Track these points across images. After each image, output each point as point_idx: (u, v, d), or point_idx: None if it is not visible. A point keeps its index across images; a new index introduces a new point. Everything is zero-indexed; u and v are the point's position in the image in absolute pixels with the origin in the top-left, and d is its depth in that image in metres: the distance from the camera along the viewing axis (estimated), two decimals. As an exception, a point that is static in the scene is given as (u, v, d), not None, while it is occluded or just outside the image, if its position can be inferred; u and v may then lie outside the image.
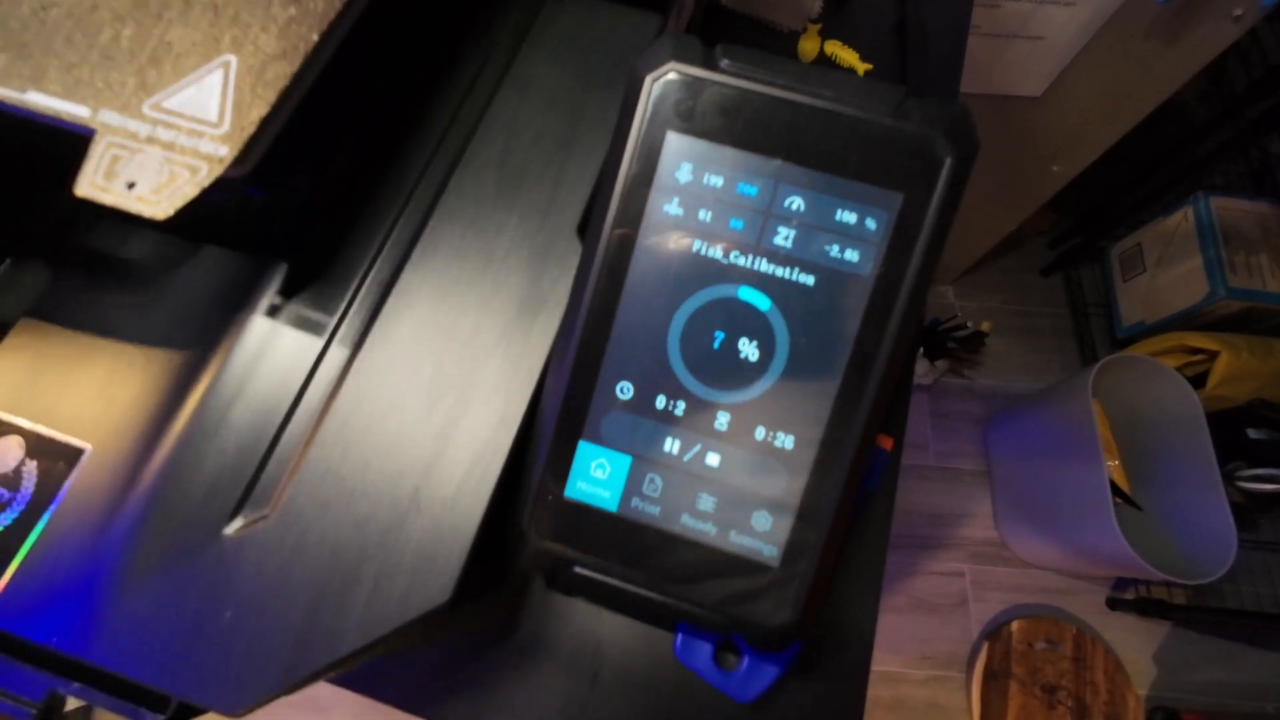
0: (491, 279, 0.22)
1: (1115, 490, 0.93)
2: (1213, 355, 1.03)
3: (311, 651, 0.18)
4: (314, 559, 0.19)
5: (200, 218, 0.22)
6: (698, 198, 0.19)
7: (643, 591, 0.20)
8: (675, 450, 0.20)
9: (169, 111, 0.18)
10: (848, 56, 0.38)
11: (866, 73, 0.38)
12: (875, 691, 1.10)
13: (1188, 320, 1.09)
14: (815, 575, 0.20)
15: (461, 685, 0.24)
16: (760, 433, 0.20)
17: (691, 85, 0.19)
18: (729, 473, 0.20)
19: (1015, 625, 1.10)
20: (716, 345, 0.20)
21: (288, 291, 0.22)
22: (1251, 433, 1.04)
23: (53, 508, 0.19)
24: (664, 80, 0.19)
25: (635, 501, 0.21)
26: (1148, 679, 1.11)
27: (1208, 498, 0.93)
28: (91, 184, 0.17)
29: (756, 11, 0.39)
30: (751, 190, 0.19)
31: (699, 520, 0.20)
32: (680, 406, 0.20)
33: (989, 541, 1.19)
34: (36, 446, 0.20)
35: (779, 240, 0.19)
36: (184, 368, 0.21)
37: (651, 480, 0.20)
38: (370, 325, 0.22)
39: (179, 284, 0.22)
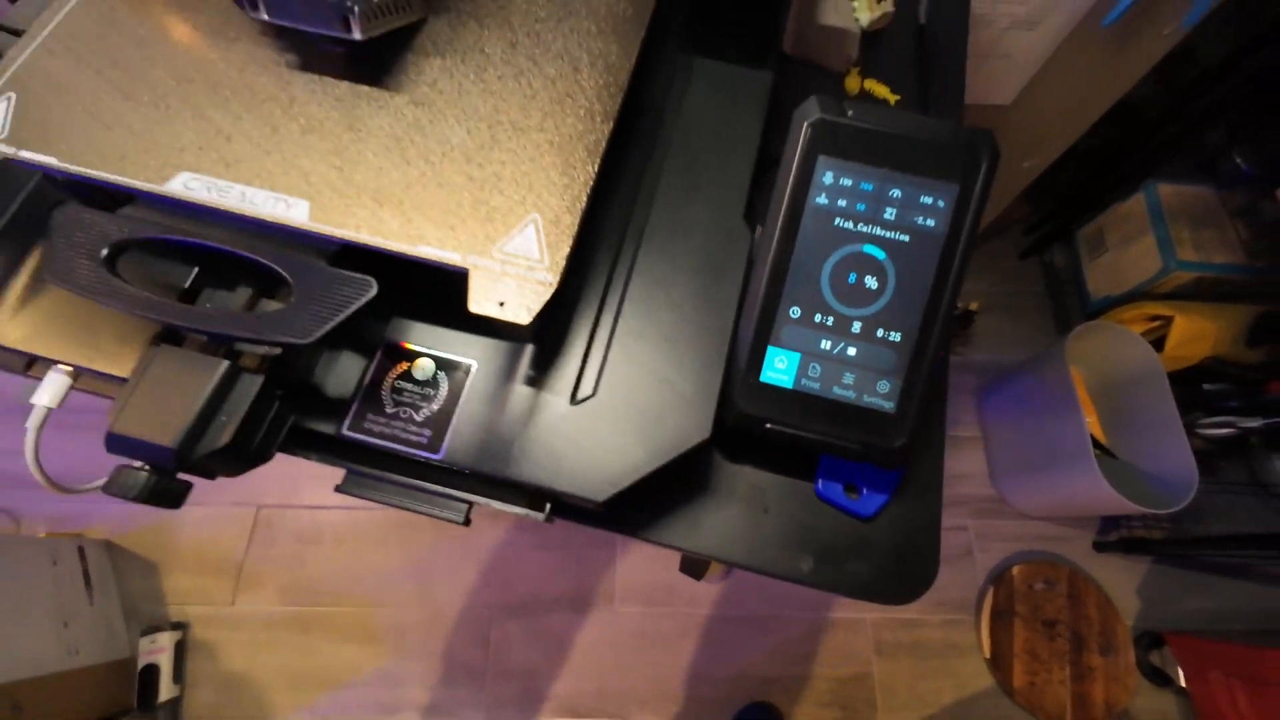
0: (696, 254, 0.35)
1: (1094, 443, 1.07)
2: (1169, 320, 1.18)
3: (635, 464, 0.30)
4: (624, 417, 0.31)
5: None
6: (836, 191, 0.32)
7: (810, 435, 0.33)
8: (827, 347, 0.33)
9: (509, 254, 0.27)
10: (881, 90, 0.51)
11: (897, 101, 0.51)
12: (898, 636, 1.22)
13: (1147, 292, 1.25)
14: (915, 418, 0.33)
15: (664, 514, 0.36)
16: (880, 333, 0.33)
17: (832, 125, 0.32)
18: (861, 359, 0.33)
19: (1016, 570, 1.23)
20: (852, 280, 0.33)
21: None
22: (1206, 386, 1.20)
23: (463, 394, 0.31)
24: (813, 123, 0.32)
25: (803, 381, 0.33)
26: (1134, 610, 1.24)
27: (1172, 441, 1.08)
28: (478, 304, 0.26)
29: (811, 56, 0.53)
30: (869, 186, 0.32)
31: (844, 389, 0.33)
32: (830, 320, 0.33)
33: (988, 498, 1.32)
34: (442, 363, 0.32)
35: (887, 215, 0.32)
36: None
37: (813, 367, 0.33)
38: (629, 281, 0.34)
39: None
